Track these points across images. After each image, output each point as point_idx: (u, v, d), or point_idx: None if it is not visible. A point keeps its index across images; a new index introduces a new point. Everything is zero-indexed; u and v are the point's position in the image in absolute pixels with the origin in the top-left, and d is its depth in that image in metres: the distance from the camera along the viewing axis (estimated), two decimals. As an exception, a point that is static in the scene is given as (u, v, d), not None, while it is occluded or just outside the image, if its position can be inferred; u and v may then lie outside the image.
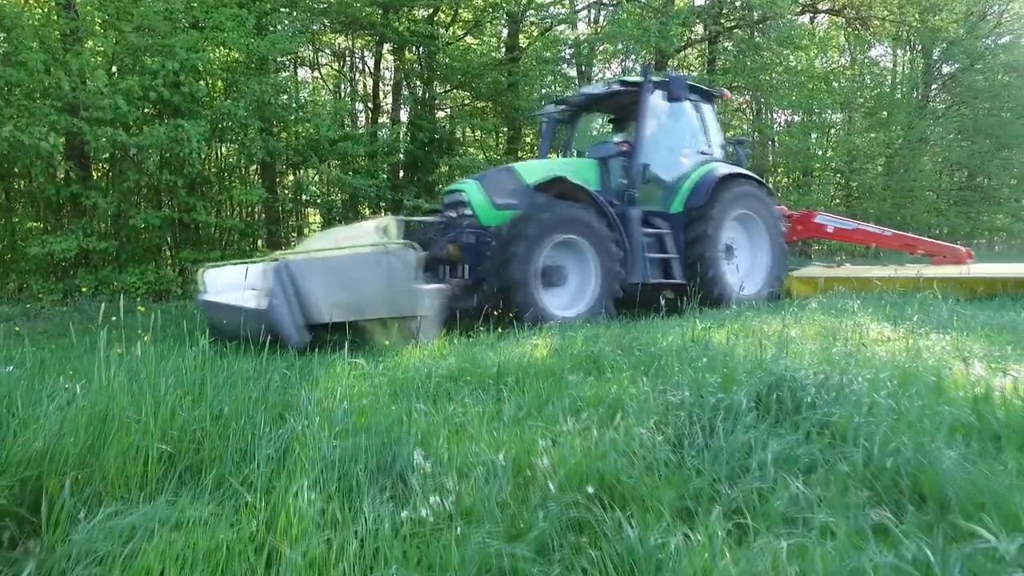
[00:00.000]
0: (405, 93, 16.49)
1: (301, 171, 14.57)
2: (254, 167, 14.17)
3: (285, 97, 13.33)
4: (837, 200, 20.12)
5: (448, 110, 17.91)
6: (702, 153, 7.92)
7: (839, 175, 20.53)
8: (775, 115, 21.64)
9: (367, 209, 14.21)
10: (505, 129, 17.61)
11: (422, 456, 2.09)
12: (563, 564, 1.62)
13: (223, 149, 13.68)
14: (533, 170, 6.95)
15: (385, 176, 14.34)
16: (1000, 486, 1.75)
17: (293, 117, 13.40)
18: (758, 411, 2.56)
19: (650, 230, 7.13)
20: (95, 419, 2.08)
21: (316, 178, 15.01)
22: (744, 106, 21.11)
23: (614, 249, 6.47)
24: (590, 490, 1.93)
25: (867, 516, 1.72)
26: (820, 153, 20.16)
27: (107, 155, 11.78)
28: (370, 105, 16.78)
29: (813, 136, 19.88)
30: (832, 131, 20.61)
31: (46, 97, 10.23)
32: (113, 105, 10.11)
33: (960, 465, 2.02)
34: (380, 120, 16.20)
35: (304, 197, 14.37)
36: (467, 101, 17.42)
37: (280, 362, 3.77)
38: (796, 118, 20.60)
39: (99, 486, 1.95)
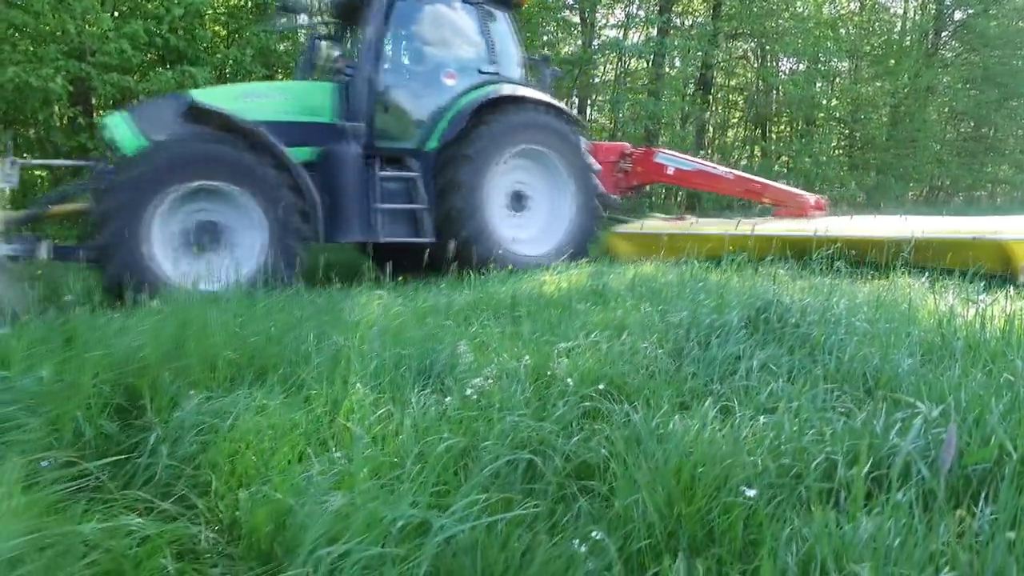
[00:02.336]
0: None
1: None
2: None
3: (288, 44, 13.32)
4: (839, 151, 20.17)
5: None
6: (483, 73, 6.18)
7: (842, 125, 20.50)
8: (780, 63, 21.47)
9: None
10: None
11: (463, 351, 2.44)
12: (581, 439, 1.97)
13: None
14: (213, 96, 5.41)
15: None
16: (941, 382, 2.09)
17: (295, 64, 13.42)
18: (747, 330, 2.90)
19: (393, 173, 5.73)
20: (177, 326, 2.42)
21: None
22: (748, 53, 20.93)
23: (289, 198, 4.99)
24: (601, 387, 2.28)
25: (832, 404, 2.08)
26: (824, 102, 20.08)
27: (112, 102, 11.87)
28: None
29: (818, 85, 19.79)
30: (837, 80, 20.48)
31: (52, 41, 10.29)
32: (119, 49, 10.17)
33: (915, 370, 2.36)
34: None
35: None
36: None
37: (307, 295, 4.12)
38: (801, 66, 20.46)
39: (182, 383, 2.30)
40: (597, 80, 19.71)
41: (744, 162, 20.75)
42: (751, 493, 1.44)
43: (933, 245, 4.80)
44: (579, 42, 18.32)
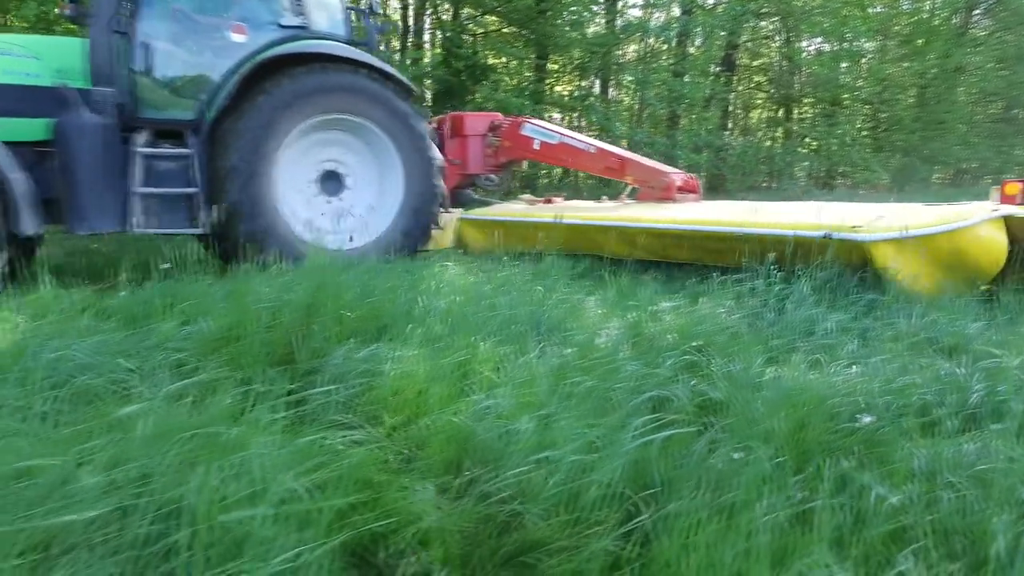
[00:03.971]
0: (431, 18, 16.51)
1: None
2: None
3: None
4: (864, 132, 20.10)
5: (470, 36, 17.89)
6: (285, 27, 5.14)
7: (868, 106, 20.40)
8: (805, 43, 21.33)
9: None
10: (533, 56, 17.62)
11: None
12: (689, 385, 2.23)
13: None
14: None
15: (423, 104, 14.60)
16: (999, 339, 2.35)
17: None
18: (816, 298, 3.15)
19: (163, 151, 4.80)
20: (312, 288, 2.71)
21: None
22: (772, 33, 20.82)
23: None
24: (695, 344, 2.54)
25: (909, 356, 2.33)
26: (850, 82, 19.97)
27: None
28: (400, 27, 16.81)
29: (843, 65, 19.69)
30: (864, 60, 20.34)
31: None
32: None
33: (980, 332, 2.61)
34: (410, 43, 16.27)
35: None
36: (496, 27, 17.38)
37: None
38: (826, 47, 20.33)
39: (319, 337, 2.58)
40: (621, 61, 19.69)
41: (768, 143, 20.77)
42: (867, 420, 1.69)
43: (753, 241, 3.80)
44: (603, 22, 18.36)
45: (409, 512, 1.36)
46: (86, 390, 2.09)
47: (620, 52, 19.27)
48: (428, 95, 15.02)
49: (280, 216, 4.92)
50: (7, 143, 4.35)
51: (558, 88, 18.92)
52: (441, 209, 5.77)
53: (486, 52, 16.56)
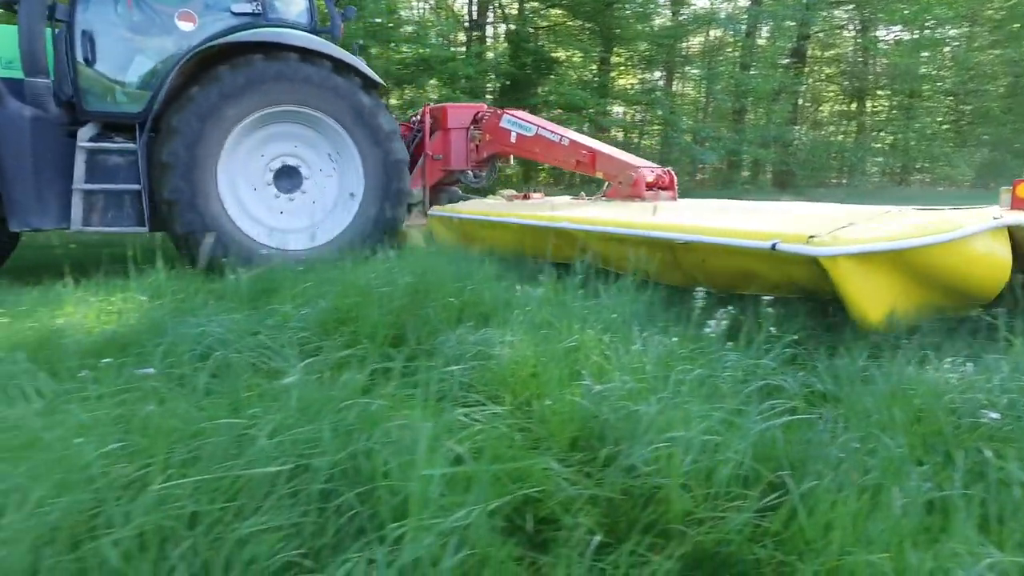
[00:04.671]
0: (497, 12, 16.65)
1: (405, 90, 15.17)
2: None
3: (379, 20, 13.72)
4: (946, 125, 19.20)
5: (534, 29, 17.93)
6: (238, 15, 4.92)
7: (951, 98, 19.44)
8: (882, 32, 20.47)
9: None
10: (599, 50, 17.56)
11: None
12: (796, 376, 2.26)
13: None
14: None
15: (488, 97, 14.76)
16: None
17: (395, 39, 13.83)
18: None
19: (110, 145, 4.62)
20: (417, 275, 2.85)
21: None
22: (846, 22, 20.07)
23: None
24: (794, 337, 2.57)
25: None
26: (931, 72, 19.05)
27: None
28: (465, 24, 17.02)
29: (924, 54, 18.81)
30: (947, 48, 19.37)
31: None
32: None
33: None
34: (474, 37, 16.46)
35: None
36: (563, 20, 17.39)
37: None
38: (905, 35, 19.46)
39: (426, 322, 2.73)
40: (687, 53, 19.38)
41: (839, 138, 20.08)
42: (993, 416, 1.70)
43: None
44: (668, 13, 18.12)
45: (551, 481, 1.46)
46: (228, 363, 2.28)
47: (685, 44, 18.99)
48: (492, 89, 15.21)
49: (226, 213, 4.72)
50: None
51: (622, 81, 18.81)
52: (417, 207, 5.68)
53: (552, 46, 16.61)
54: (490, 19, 17.31)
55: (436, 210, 5.68)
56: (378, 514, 1.34)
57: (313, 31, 5.23)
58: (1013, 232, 2.73)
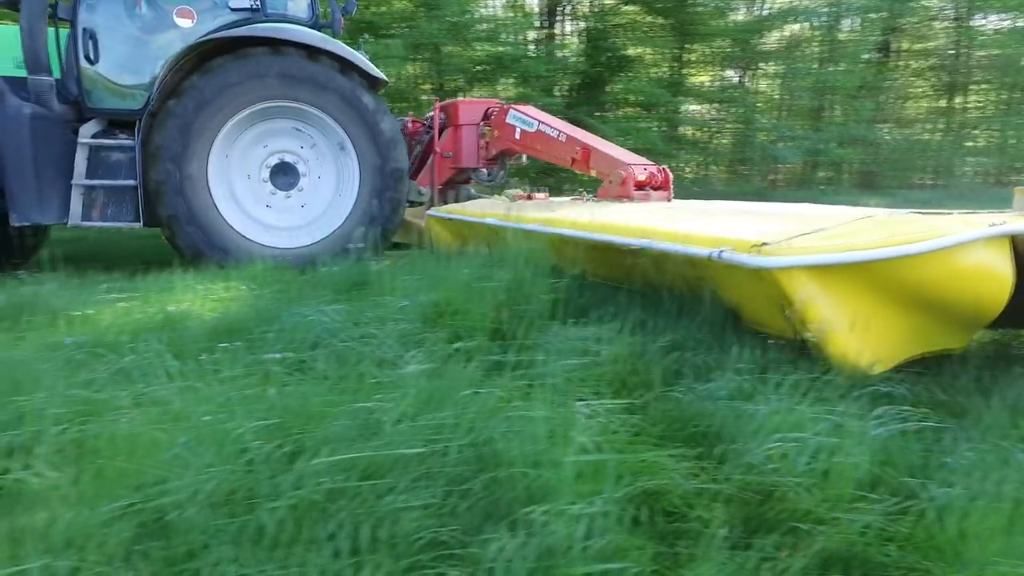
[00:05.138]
0: (568, 10, 16.58)
1: (478, 89, 15.34)
2: (429, 87, 15.12)
3: (453, 19, 13.85)
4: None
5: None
6: (236, 10, 4.92)
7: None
8: (981, 20, 19.21)
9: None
10: (673, 47, 17.24)
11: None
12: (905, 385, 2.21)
13: (410, 68, 14.69)
14: None
15: (561, 94, 14.76)
16: None
17: (470, 37, 13.97)
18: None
19: (112, 142, 4.70)
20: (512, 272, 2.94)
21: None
22: (939, 12, 18.96)
23: None
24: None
25: None
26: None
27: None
28: (536, 23, 17.04)
29: (1030, 45, 17.53)
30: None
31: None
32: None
33: None
34: (547, 35, 16.46)
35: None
36: (638, 16, 17.18)
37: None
38: (1007, 22, 18.20)
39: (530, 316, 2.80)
40: (764, 48, 18.78)
41: (931, 136, 19.05)
42: None
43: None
44: (746, 8, 17.62)
45: (669, 475, 1.49)
46: (338, 351, 2.41)
47: (763, 40, 18.42)
48: (567, 87, 15.19)
49: (213, 204, 4.72)
50: None
51: (696, 79, 18.43)
52: (416, 204, 5.56)
53: (626, 42, 16.43)
54: (561, 17, 17.29)
55: (433, 210, 5.49)
56: (505, 500, 1.41)
57: (315, 26, 5.19)
58: (1018, 243, 2.14)
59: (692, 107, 17.93)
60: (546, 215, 3.86)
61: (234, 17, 4.94)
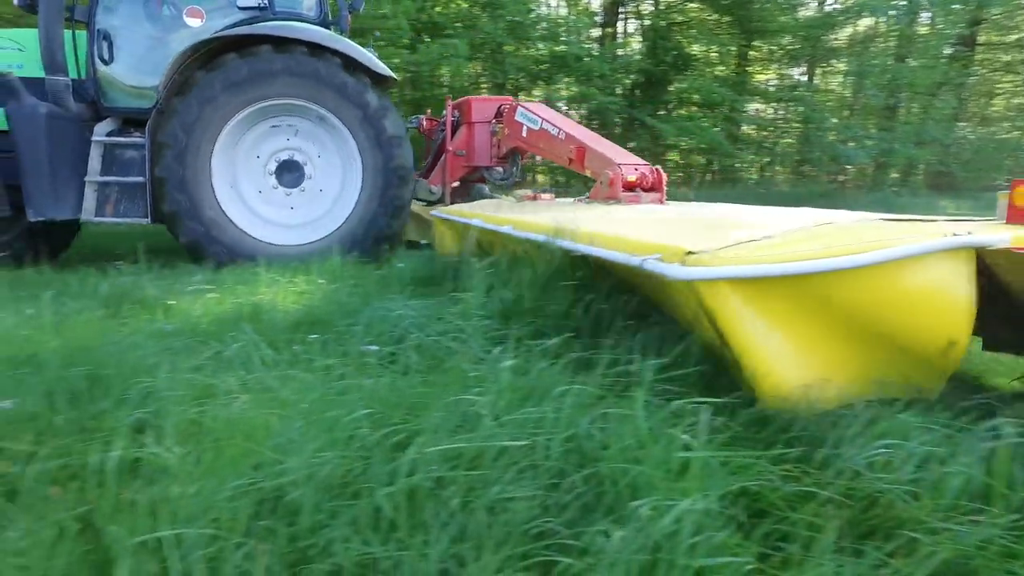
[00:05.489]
0: (630, 7, 16.43)
1: (538, 89, 15.37)
2: (486, 86, 15.21)
3: (513, 18, 13.85)
4: None
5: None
6: (244, 8, 5.01)
7: None
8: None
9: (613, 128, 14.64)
10: (737, 45, 16.87)
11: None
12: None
13: (471, 68, 14.84)
14: None
15: (621, 93, 14.66)
16: None
17: (536, 34, 13.97)
18: None
19: (126, 140, 4.85)
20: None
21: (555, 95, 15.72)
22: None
23: None
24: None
25: None
26: None
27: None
28: (598, 21, 16.94)
29: None
30: None
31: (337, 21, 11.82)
32: (397, 26, 11.47)
33: None
34: (609, 31, 16.37)
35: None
36: (701, 14, 16.89)
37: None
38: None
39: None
40: (833, 45, 18.16)
41: (1019, 134, 18.06)
42: None
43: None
44: (814, 3, 17.08)
45: (769, 476, 1.49)
46: (427, 345, 2.48)
47: (832, 36, 17.83)
48: (628, 86, 15.07)
49: (216, 200, 4.78)
50: None
51: (760, 77, 18.00)
52: (432, 203, 5.48)
53: (688, 40, 16.20)
54: (623, 15, 17.17)
55: (435, 210, 5.37)
56: (606, 494, 1.43)
57: (323, 24, 5.20)
58: (987, 257, 1.78)
59: (755, 106, 17.52)
60: (505, 215, 3.69)
61: (243, 16, 5.01)
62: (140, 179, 4.79)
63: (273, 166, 5.07)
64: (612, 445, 1.53)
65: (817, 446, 1.63)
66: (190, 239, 4.82)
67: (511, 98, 5.97)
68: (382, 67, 5.06)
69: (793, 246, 1.76)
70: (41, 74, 4.74)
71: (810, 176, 16.41)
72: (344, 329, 2.86)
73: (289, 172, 5.09)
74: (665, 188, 4.24)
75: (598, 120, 14.56)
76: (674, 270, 1.79)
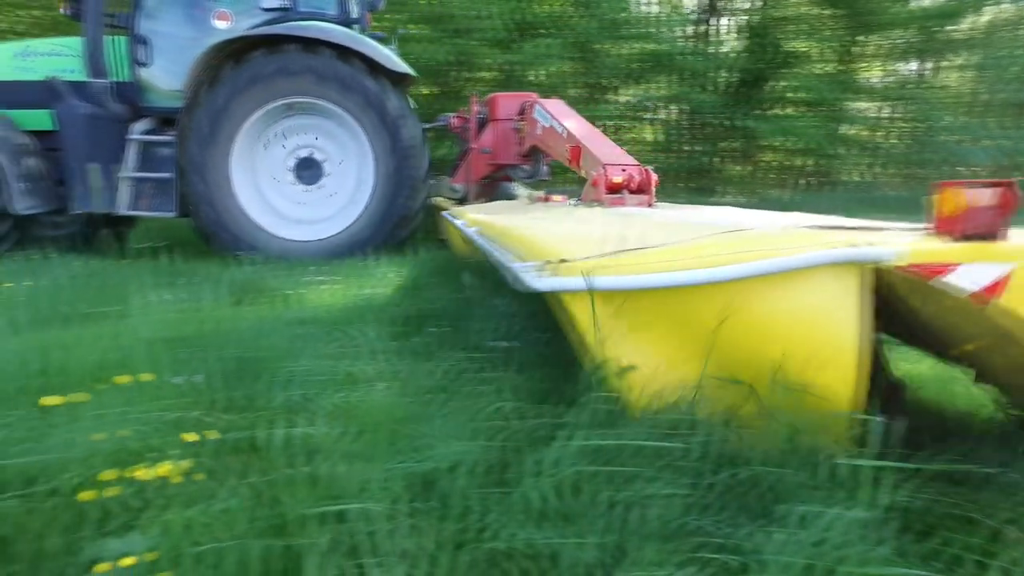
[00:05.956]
0: (729, 3, 15.88)
1: (631, 88, 15.14)
2: (580, 88, 15.11)
3: (611, 15, 13.65)
4: None
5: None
6: (267, 10, 5.18)
7: None
8: None
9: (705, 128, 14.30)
10: (841, 42, 16.00)
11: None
12: None
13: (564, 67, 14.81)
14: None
15: (714, 91, 14.26)
16: None
17: (625, 36, 13.77)
18: None
19: (160, 138, 5.18)
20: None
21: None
22: None
23: None
24: None
25: None
26: None
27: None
28: (693, 18, 16.51)
29: None
30: None
31: (438, 21, 12.07)
32: (493, 27, 11.64)
33: None
34: (703, 31, 15.92)
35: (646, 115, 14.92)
36: (804, 8, 16.14)
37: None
38: None
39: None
40: (954, 36, 16.91)
41: None
42: None
43: None
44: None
45: (929, 492, 1.43)
46: (547, 341, 2.51)
47: (954, 27, 16.60)
48: (725, 85, 14.62)
49: (231, 191, 4.95)
50: (34, 131, 5.04)
51: (867, 73, 17.02)
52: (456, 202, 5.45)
53: (790, 36, 15.52)
54: (721, 11, 16.66)
55: (445, 211, 5.22)
56: (753, 496, 1.42)
57: (344, 22, 5.30)
58: (889, 276, 1.45)
59: (860, 104, 16.59)
60: (483, 217, 3.55)
61: (267, 17, 5.20)
62: (170, 175, 5.09)
63: (292, 163, 5.24)
64: (755, 448, 1.51)
65: (975, 465, 1.55)
66: (202, 224, 5.07)
67: (534, 95, 5.80)
68: (401, 65, 5.18)
69: (663, 257, 1.57)
70: (81, 78, 5.16)
71: (921, 179, 15.41)
72: (462, 324, 2.94)
73: (309, 169, 5.25)
74: (654, 189, 3.94)
75: (697, 120, 14.23)
76: (530, 278, 1.69)
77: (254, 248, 4.91)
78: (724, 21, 16.57)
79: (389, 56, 5.14)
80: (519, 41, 12.14)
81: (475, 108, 5.78)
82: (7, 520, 1.27)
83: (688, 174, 14.11)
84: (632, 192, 3.93)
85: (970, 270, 1.33)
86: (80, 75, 5.14)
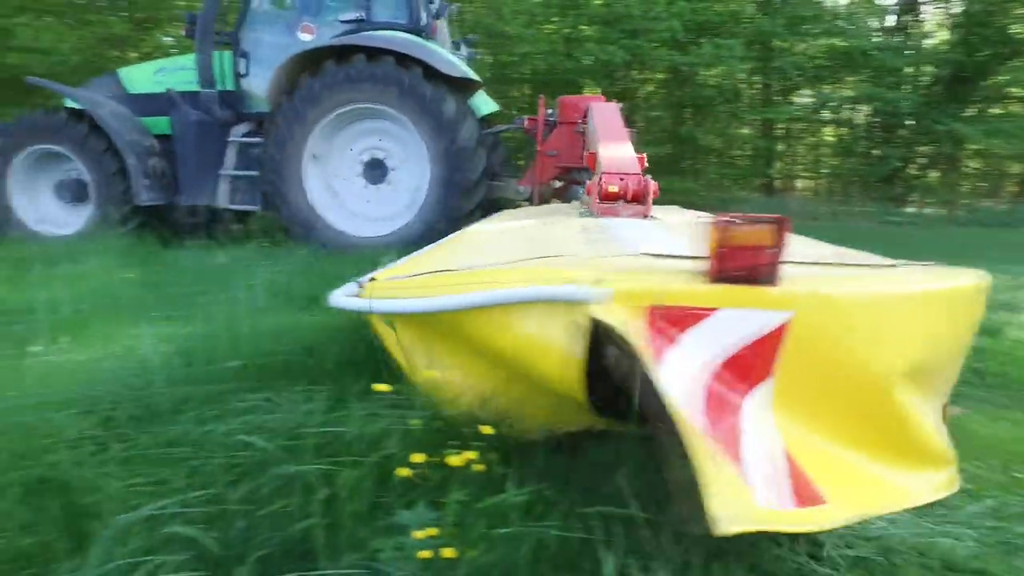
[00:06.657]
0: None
1: (813, 87, 14.15)
2: (758, 87, 14.32)
3: (800, 12, 12.80)
4: None
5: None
6: (345, 23, 5.50)
7: None
8: None
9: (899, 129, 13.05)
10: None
11: None
12: None
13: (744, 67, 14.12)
14: (137, 71, 6.15)
15: (911, 89, 12.94)
16: None
17: (810, 33, 12.85)
18: None
19: (254, 140, 5.68)
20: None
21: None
22: None
23: (105, 161, 5.60)
24: None
25: None
26: None
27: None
28: (890, 10, 15.01)
29: None
30: None
31: (616, 23, 12.06)
32: (670, 27, 11.46)
33: None
34: (903, 24, 14.40)
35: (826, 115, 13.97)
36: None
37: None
38: None
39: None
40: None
41: None
42: None
43: None
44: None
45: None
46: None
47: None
48: (927, 82, 13.18)
49: (300, 197, 5.36)
50: (158, 135, 5.81)
51: None
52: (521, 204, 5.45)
53: (1011, 23, 13.65)
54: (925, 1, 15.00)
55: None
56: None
57: (415, 30, 5.53)
58: (609, 328, 1.25)
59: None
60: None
61: (345, 28, 5.58)
62: (258, 173, 5.61)
63: (360, 165, 5.59)
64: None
65: None
66: (280, 218, 5.52)
67: (602, 97, 5.70)
68: (463, 71, 5.42)
69: (439, 283, 1.61)
70: (192, 88, 5.94)
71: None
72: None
73: (375, 169, 5.59)
74: (651, 200, 3.60)
75: (888, 122, 13.01)
76: (334, 296, 1.80)
77: (324, 243, 5.31)
78: (929, 10, 14.95)
79: (450, 62, 5.37)
80: (696, 42, 11.85)
81: (543, 110, 5.80)
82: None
83: (875, 181, 12.92)
84: (628, 202, 3.73)
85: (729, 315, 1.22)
86: (195, 86, 5.92)
